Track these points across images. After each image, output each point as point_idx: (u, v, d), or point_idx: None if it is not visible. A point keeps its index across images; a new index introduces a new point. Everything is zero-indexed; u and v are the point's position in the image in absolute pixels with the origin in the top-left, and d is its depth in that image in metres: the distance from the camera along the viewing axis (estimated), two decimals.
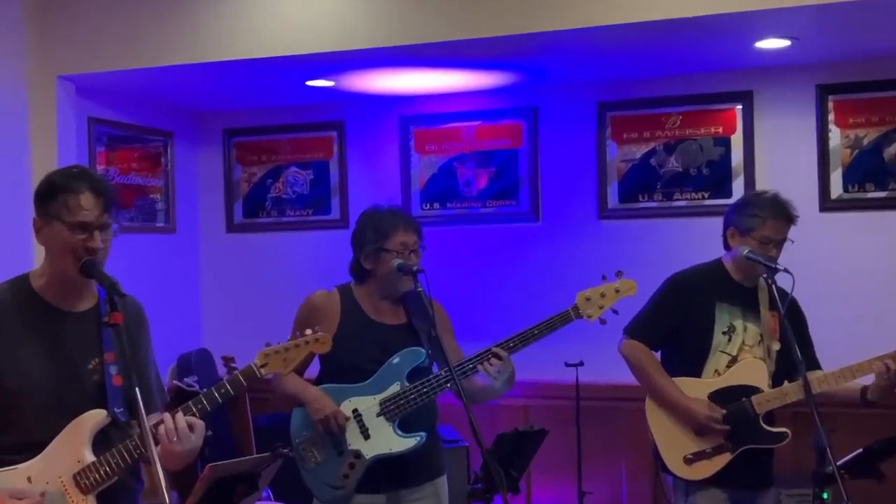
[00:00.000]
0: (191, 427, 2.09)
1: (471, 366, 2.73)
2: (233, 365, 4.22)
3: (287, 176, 5.08)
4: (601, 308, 2.75)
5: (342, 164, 4.99)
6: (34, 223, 2.13)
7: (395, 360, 2.80)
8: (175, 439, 2.06)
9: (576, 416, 4.16)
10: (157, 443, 2.03)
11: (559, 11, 3.54)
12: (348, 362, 2.77)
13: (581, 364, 4.16)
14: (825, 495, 2.79)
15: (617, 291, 2.76)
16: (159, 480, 1.86)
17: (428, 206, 4.82)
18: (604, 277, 2.78)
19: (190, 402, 2.13)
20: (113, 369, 2.12)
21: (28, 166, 4.17)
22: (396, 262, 2.76)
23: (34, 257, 3.83)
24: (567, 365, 4.13)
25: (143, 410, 1.95)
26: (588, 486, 4.18)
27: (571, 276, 4.35)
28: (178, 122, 5.09)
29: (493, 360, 2.70)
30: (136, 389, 1.95)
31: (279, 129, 5.08)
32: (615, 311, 2.78)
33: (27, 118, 4.20)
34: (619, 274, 2.78)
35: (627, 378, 3.06)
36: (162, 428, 2.06)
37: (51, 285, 2.16)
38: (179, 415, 2.10)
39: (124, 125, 4.76)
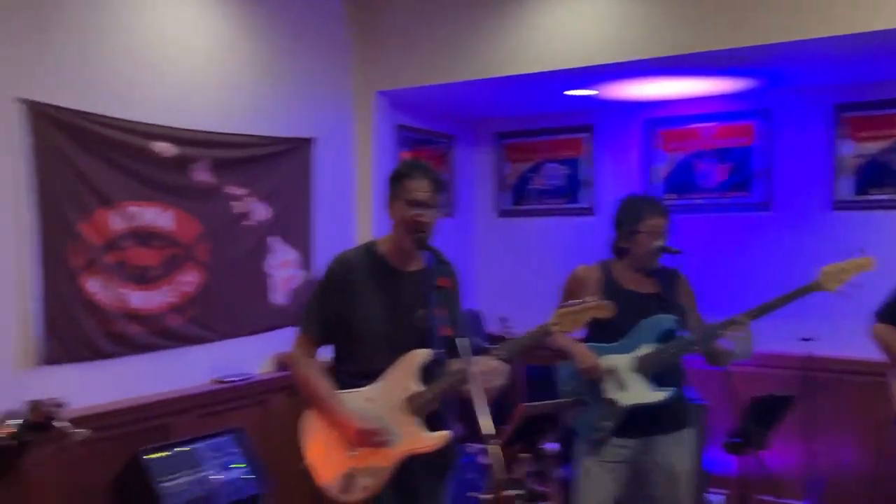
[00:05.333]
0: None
1: (715, 331, 2.79)
2: (507, 323, 4.14)
3: (546, 170, 5.33)
4: (841, 282, 2.75)
5: (591, 160, 5.19)
6: (388, 200, 2.43)
7: (648, 323, 2.90)
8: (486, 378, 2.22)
9: (806, 385, 4.26)
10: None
11: (797, 22, 3.48)
12: (608, 323, 2.74)
13: (813, 339, 4.24)
14: None
15: (856, 266, 2.77)
16: (481, 409, 2.05)
17: (667, 196, 4.87)
18: (843, 258, 2.82)
19: (493, 349, 2.35)
20: (441, 321, 2.31)
21: (353, 165, 4.56)
22: (658, 244, 2.88)
23: (356, 238, 4.35)
24: (801, 339, 4.22)
25: (469, 353, 2.16)
26: (816, 449, 4.33)
27: (802, 262, 4.17)
28: (459, 127, 5.46)
29: (737, 327, 2.77)
30: (465, 338, 2.17)
31: (539, 131, 5.35)
32: (854, 287, 2.76)
33: (352, 126, 4.55)
34: (861, 251, 2.81)
35: (855, 354, 3.07)
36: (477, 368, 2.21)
37: (392, 251, 2.46)
38: (488, 358, 2.31)
39: (420, 130, 5.11)
